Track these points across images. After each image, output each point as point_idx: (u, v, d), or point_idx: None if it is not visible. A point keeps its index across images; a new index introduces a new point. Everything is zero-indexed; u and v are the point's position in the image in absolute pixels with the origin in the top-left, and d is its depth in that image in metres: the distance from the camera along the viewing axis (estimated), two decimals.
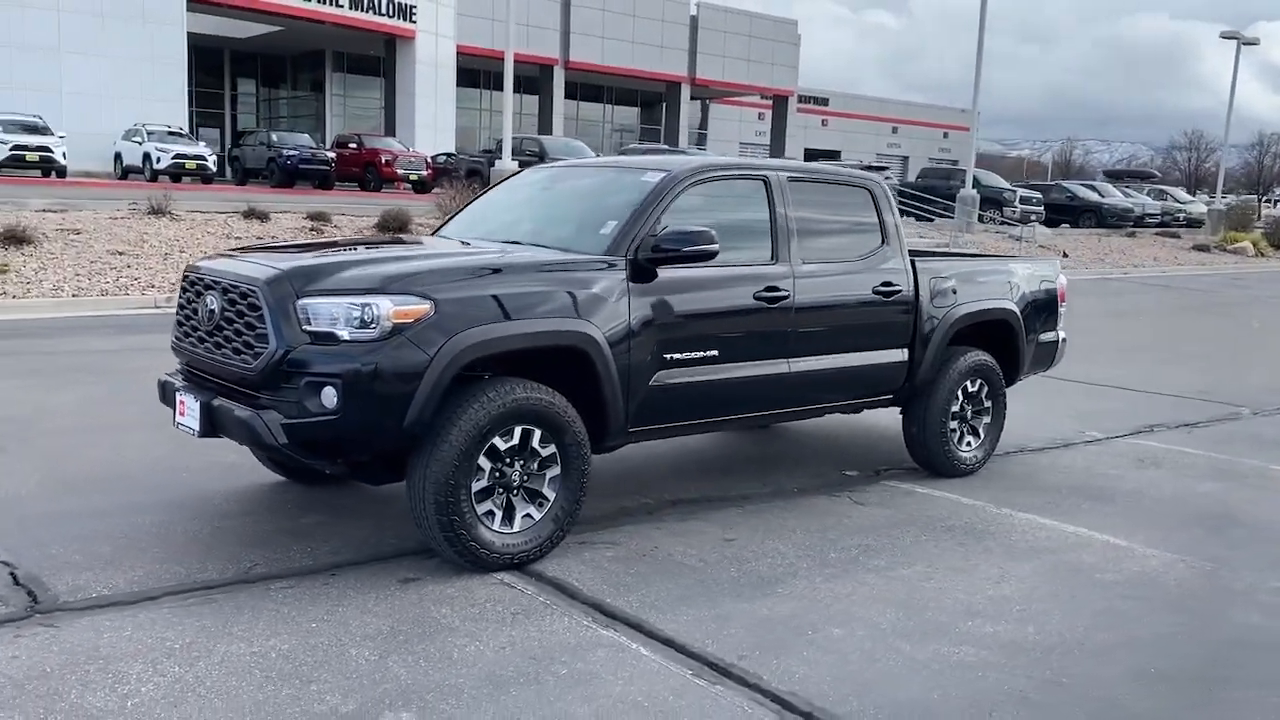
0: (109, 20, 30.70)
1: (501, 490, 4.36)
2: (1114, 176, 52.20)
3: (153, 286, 12.69)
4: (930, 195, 31.31)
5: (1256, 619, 4.32)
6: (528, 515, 4.44)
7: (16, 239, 13.21)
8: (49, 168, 26.55)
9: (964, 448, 6.37)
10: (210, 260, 4.68)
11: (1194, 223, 40.17)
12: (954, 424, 6.28)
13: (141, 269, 13.37)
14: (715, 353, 5.03)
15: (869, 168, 28.00)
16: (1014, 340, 6.58)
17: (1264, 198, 67.17)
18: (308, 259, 4.39)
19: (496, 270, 4.45)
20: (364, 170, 31.67)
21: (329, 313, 4.02)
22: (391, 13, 37.11)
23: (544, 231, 5.20)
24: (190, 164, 28.50)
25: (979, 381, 6.38)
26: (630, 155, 29.38)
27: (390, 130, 38.42)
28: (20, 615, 3.75)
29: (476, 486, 4.25)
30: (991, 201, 31.54)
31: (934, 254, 7.19)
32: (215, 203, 18.66)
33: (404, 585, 4.19)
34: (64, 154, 26.64)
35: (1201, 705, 3.54)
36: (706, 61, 47.75)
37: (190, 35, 36.95)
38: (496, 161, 23.11)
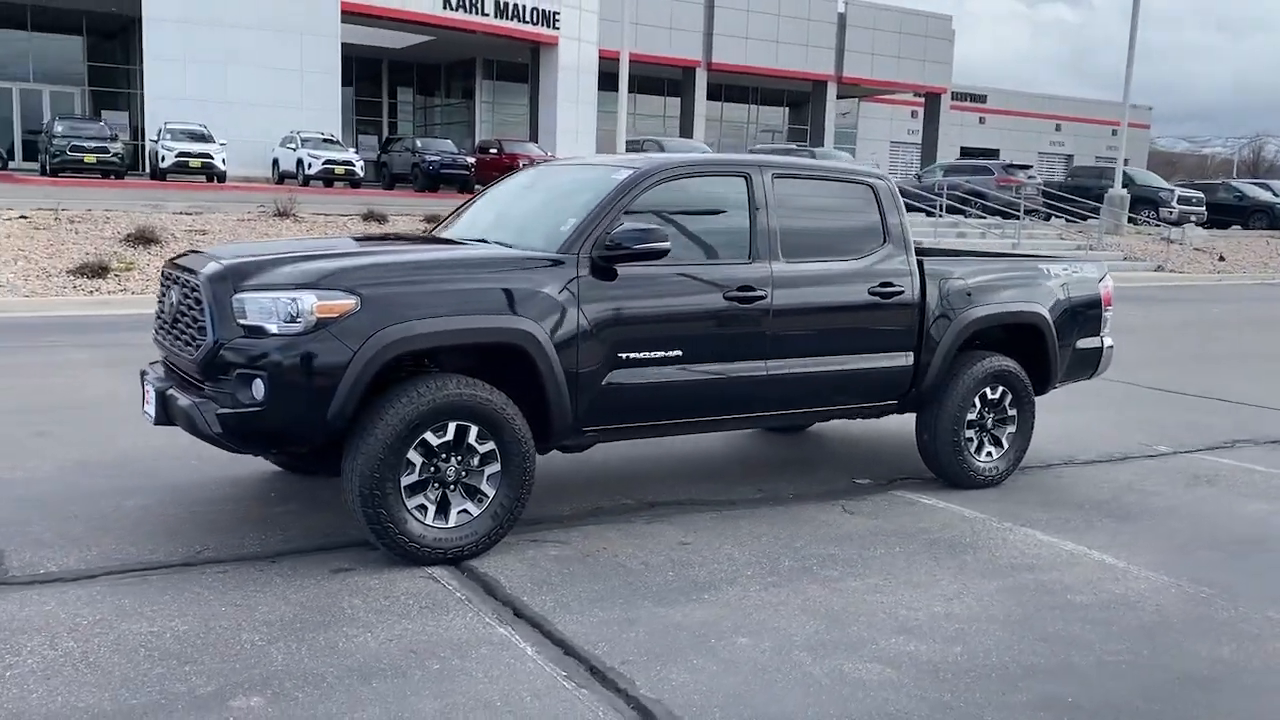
0: (270, 34, 32.42)
1: (437, 485, 4.41)
2: None
3: None
4: (1080, 196, 29.84)
5: (1226, 652, 3.95)
6: (464, 511, 4.47)
7: (145, 239, 14.14)
8: (210, 173, 28.26)
9: (982, 458, 6.06)
10: (183, 256, 4.91)
11: None
12: (970, 432, 5.98)
13: None
14: (678, 353, 4.95)
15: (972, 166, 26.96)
16: (1043, 346, 6.21)
17: None
18: (252, 255, 4.54)
19: (437, 268, 4.51)
20: (504, 174, 32.42)
21: (260, 307, 4.15)
22: (536, 20, 37.88)
23: (517, 229, 5.22)
24: (339, 169, 29.82)
25: (1000, 388, 6.05)
26: (755, 155, 29.25)
27: (533, 135, 39.23)
28: None
29: (407, 480, 4.31)
30: (1146, 201, 29.84)
31: (952, 254, 6.86)
32: (345, 205, 19.50)
33: (333, 575, 4.29)
34: (223, 160, 28.31)
35: None
36: (854, 59, 46.87)
37: (351, 47, 38.70)
38: None
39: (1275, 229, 33.23)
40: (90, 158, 27.37)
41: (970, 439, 6.00)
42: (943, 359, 5.79)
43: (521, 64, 40.80)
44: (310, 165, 29.72)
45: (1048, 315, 6.17)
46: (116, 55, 36.84)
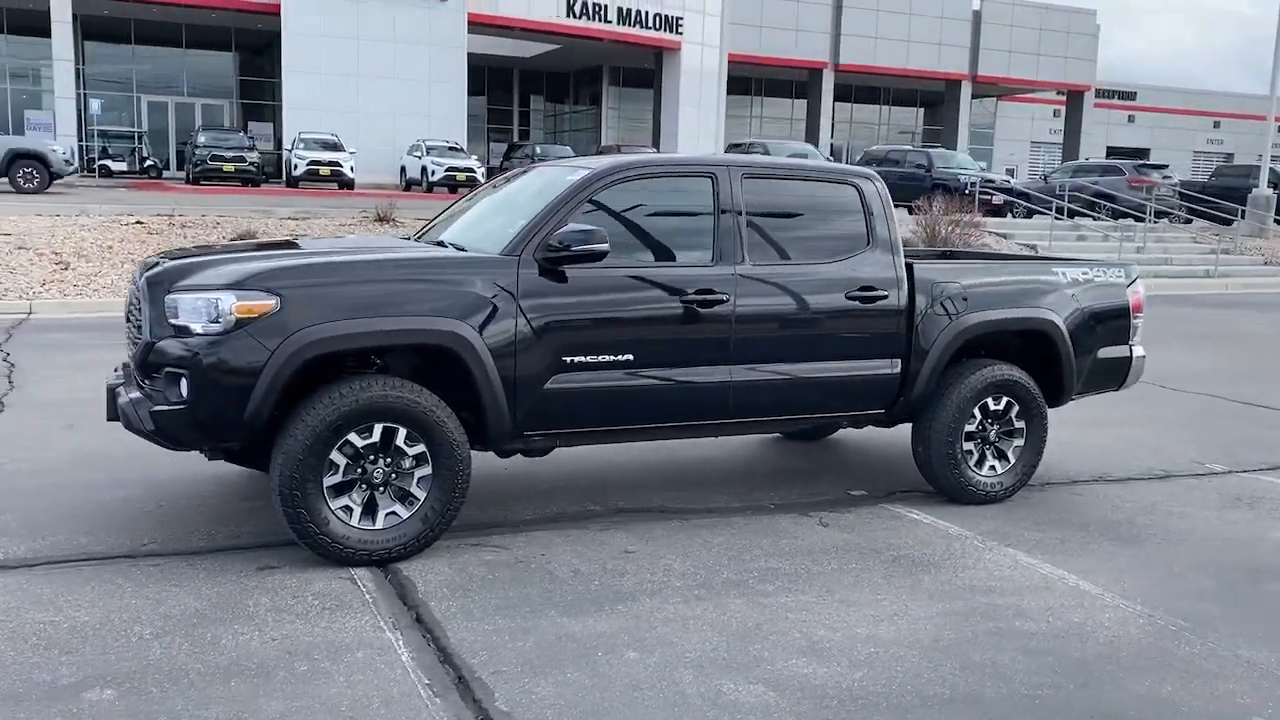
0: (400, 46, 33.50)
1: (365, 487, 4.42)
2: None
3: None
4: (1225, 197, 28.02)
5: (1167, 690, 3.61)
6: (393, 514, 4.46)
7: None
8: (340, 180, 29.38)
9: (984, 472, 5.72)
10: (151, 257, 5.06)
11: None
12: (969, 445, 5.65)
13: None
14: (629, 357, 4.84)
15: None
16: (1055, 354, 5.82)
17: None
18: (197, 258, 4.65)
19: (367, 270, 4.52)
20: None
21: (187, 307, 4.24)
22: (659, 26, 38.01)
23: (481, 232, 5.19)
24: (461, 176, 30.53)
25: (1004, 399, 5.70)
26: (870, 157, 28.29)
27: (656, 140, 39.38)
28: None
29: (330, 481, 4.33)
30: None
31: (951, 255, 6.50)
32: None
33: (257, 572, 4.34)
34: (351, 168, 29.38)
35: None
36: (989, 57, 45.27)
37: (483, 56, 39.71)
38: None
39: None
40: (229, 166, 28.85)
41: (969, 452, 5.67)
42: (933, 367, 5.49)
43: (647, 70, 41.04)
44: (434, 172, 30.54)
45: (1059, 322, 5.77)
46: (264, 69, 38.66)
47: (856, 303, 5.31)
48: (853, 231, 5.42)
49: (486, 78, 44.92)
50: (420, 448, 4.45)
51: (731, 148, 25.80)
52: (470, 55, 36.84)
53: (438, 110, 33.91)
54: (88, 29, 36.32)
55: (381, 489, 4.44)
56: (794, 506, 5.59)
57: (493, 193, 5.82)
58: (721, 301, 4.98)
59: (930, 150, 27.29)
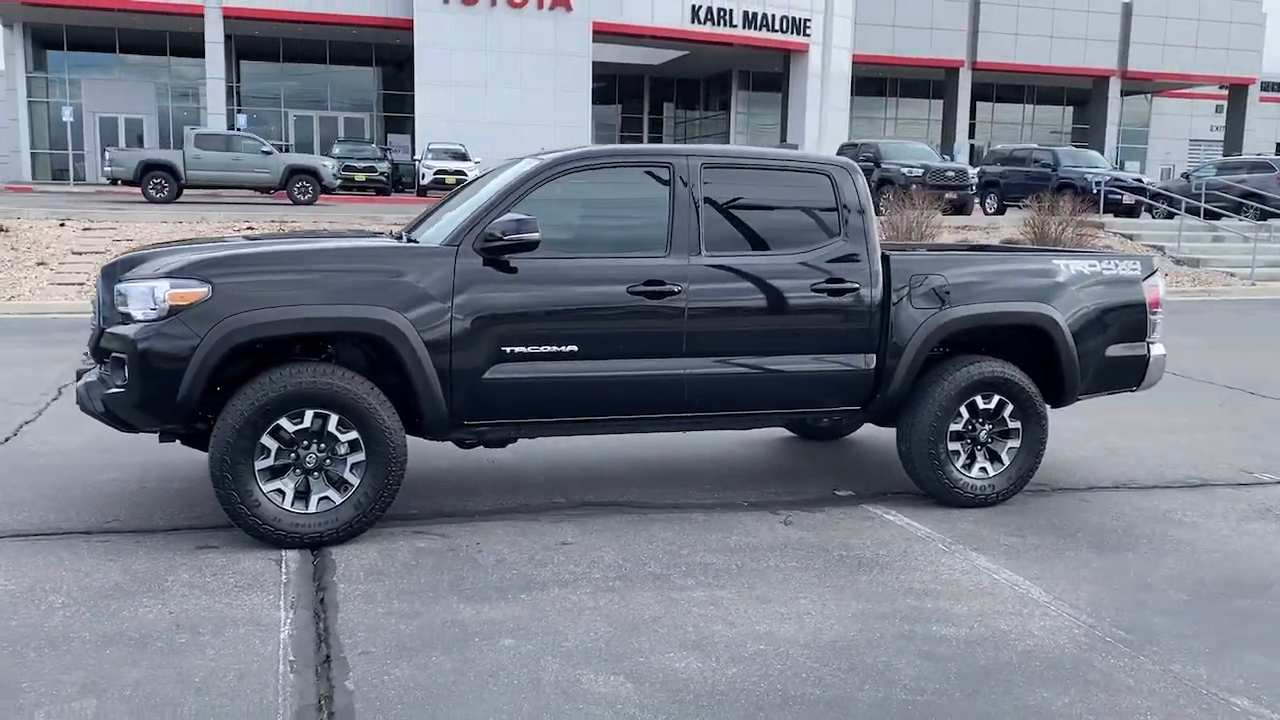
0: (525, 57, 34.23)
1: (299, 471, 4.53)
2: None
3: None
4: None
5: (1062, 703, 3.36)
6: (326, 498, 4.56)
7: None
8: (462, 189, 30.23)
9: (973, 474, 5.44)
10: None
11: None
12: (955, 445, 5.39)
13: None
14: (573, 348, 4.81)
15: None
16: (1053, 351, 5.49)
17: None
18: (153, 250, 4.85)
19: (302, 259, 4.64)
20: None
21: (132, 295, 4.43)
22: (786, 29, 37.65)
23: (437, 226, 5.23)
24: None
25: (995, 397, 5.41)
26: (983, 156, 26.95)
27: (783, 142, 38.96)
28: None
29: (262, 464, 4.45)
30: None
31: (937, 248, 6.18)
32: None
33: (195, 551, 4.49)
34: (475, 177, 30.20)
35: None
36: (1141, 52, 42.97)
37: (614, 65, 40.17)
38: None
39: None
40: (361, 176, 30.10)
41: (955, 452, 5.40)
42: (910, 363, 5.26)
43: (776, 73, 40.70)
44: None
45: (1058, 317, 5.44)
46: (403, 83, 40.08)
47: (823, 295, 5.13)
48: (823, 223, 5.25)
49: (618, 86, 45.45)
50: (353, 434, 4.53)
51: (844, 148, 25.25)
52: (602, 64, 37.37)
53: (563, 119, 34.41)
54: (241, 49, 38.47)
55: (316, 474, 4.54)
56: (768, 505, 5.44)
57: (463, 189, 5.89)
58: (673, 293, 4.89)
59: (1057, 148, 26.10)
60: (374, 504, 4.59)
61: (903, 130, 45.22)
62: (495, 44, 33.92)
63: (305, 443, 4.50)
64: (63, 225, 15.99)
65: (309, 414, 4.47)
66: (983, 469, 5.47)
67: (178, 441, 4.81)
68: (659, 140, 47.47)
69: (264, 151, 23.23)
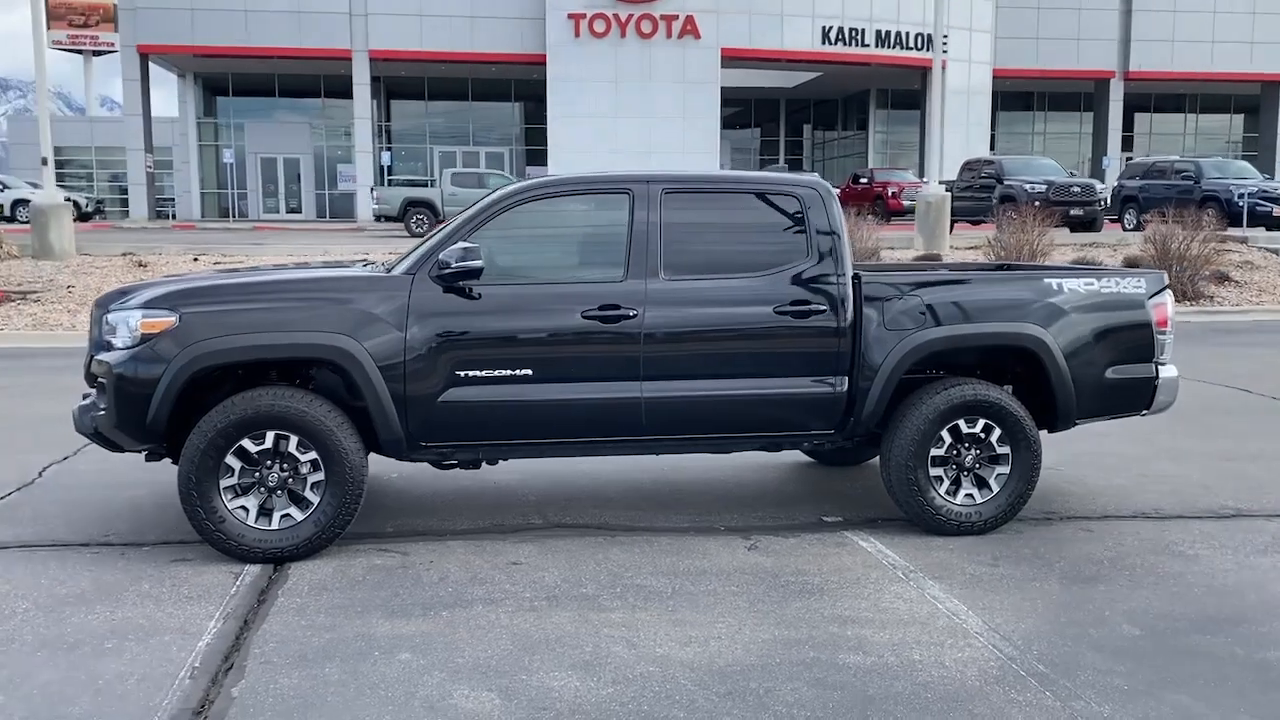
0: (654, 84, 34.73)
1: (262, 490, 4.78)
2: None
3: None
4: None
5: None
6: (287, 515, 4.79)
7: None
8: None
9: (959, 500, 5.26)
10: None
11: None
12: (937, 470, 5.23)
13: None
14: (528, 372, 4.92)
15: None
16: (1044, 374, 5.27)
17: None
18: (146, 283, 5.22)
19: (266, 290, 4.91)
20: (873, 203, 32.02)
21: (114, 324, 4.80)
22: (921, 45, 36.95)
23: (413, 254, 5.42)
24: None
25: (980, 421, 5.23)
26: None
27: (921, 160, 38.14)
28: None
29: (226, 482, 4.72)
30: None
31: (925, 268, 5.97)
32: None
33: (169, 564, 4.79)
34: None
35: None
36: None
37: (748, 90, 40.27)
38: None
39: None
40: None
41: (937, 478, 5.24)
42: (883, 386, 5.14)
43: (914, 91, 39.93)
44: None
45: (1047, 338, 5.22)
46: (542, 116, 41.30)
47: (787, 318, 5.09)
48: (790, 244, 5.21)
49: (754, 110, 45.48)
50: (313, 454, 4.76)
51: (966, 166, 24.55)
52: (736, 89, 37.53)
53: (692, 145, 34.70)
54: (389, 89, 40.39)
55: (278, 492, 4.78)
56: (744, 529, 5.40)
57: (454, 217, 6.09)
58: (628, 317, 4.95)
59: (1201, 160, 24.64)
60: (333, 521, 4.80)
61: (1051, 145, 43.60)
62: (625, 74, 34.55)
63: (268, 462, 4.76)
64: (195, 260, 17.15)
65: (270, 435, 4.72)
66: (969, 495, 5.29)
67: (167, 460, 5.14)
68: (799, 162, 47.18)
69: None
